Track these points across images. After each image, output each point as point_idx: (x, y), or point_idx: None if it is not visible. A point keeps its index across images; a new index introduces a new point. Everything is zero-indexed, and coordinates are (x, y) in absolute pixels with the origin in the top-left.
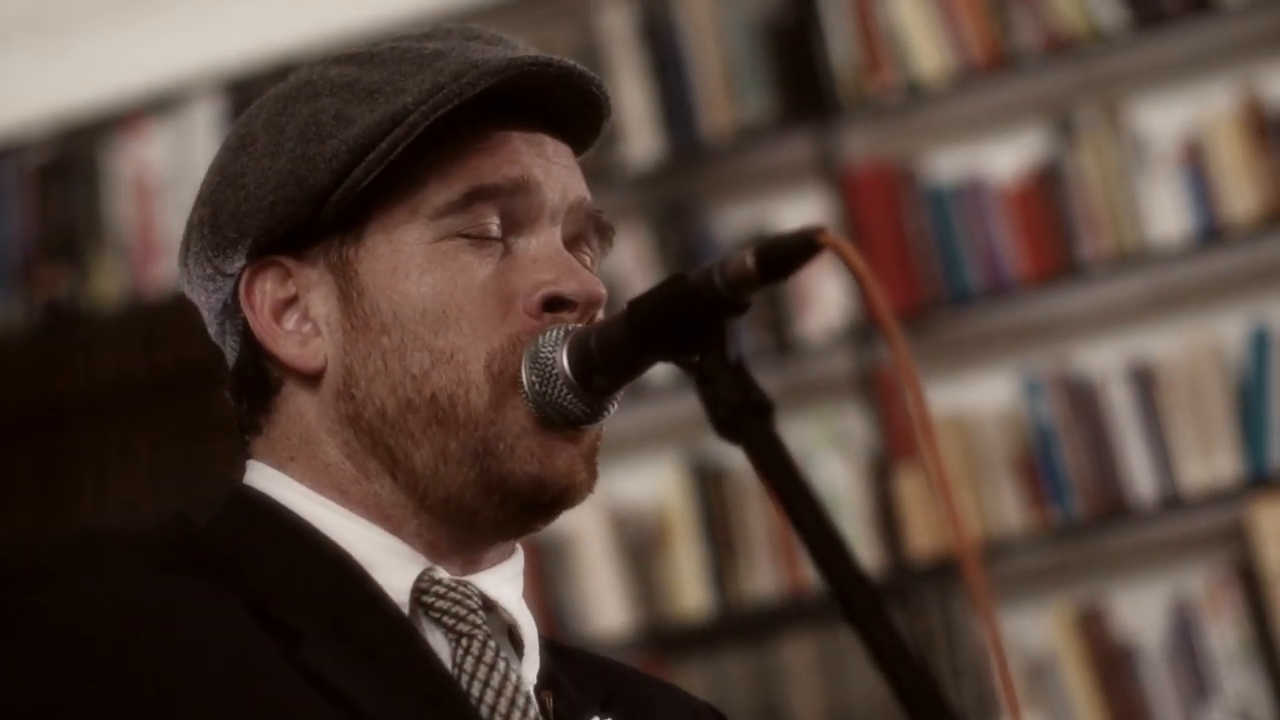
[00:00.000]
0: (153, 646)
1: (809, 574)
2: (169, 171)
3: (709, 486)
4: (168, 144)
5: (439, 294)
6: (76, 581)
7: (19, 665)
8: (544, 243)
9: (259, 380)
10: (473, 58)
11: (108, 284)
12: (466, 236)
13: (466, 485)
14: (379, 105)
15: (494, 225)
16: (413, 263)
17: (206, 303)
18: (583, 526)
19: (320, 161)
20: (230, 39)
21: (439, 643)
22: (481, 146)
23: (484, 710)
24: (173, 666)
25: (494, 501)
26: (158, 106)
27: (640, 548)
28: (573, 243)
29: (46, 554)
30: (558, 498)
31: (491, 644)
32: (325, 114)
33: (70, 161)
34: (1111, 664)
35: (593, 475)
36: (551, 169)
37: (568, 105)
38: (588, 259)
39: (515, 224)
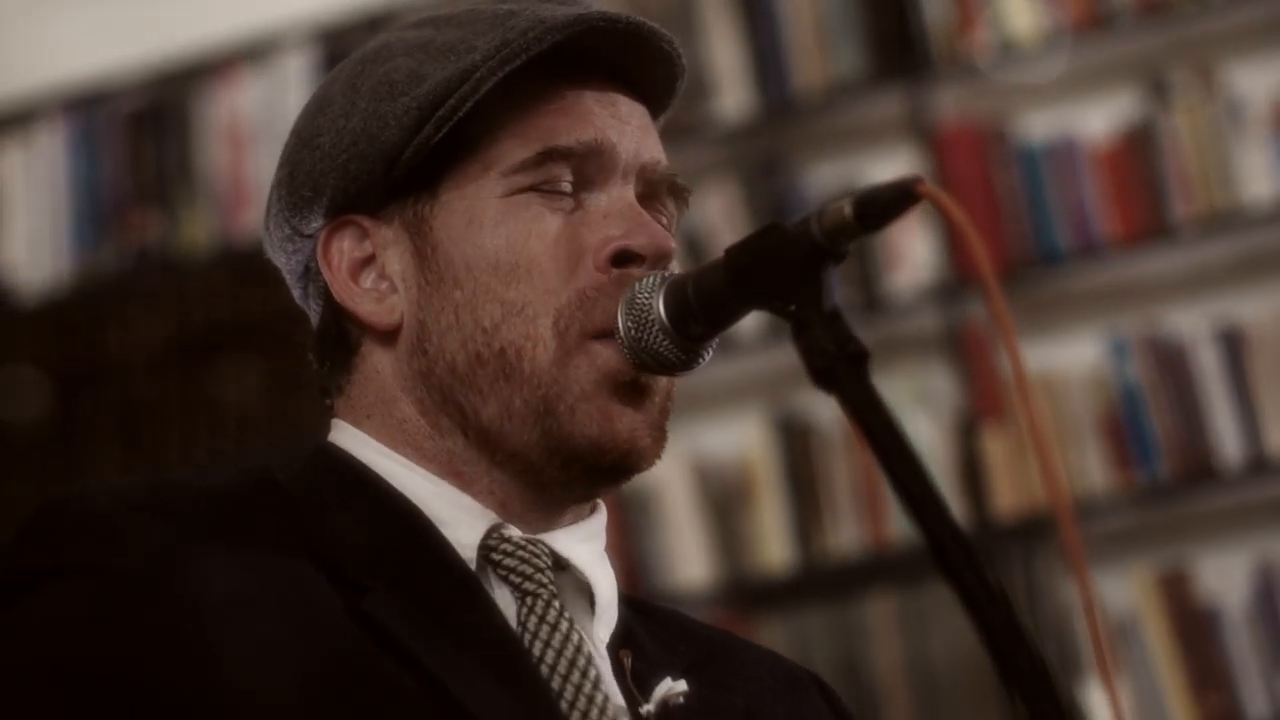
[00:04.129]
0: (213, 605)
1: (893, 530)
2: (260, 120)
3: (794, 441)
4: (260, 92)
5: (512, 245)
6: (144, 539)
7: (84, 622)
8: (615, 198)
9: (340, 340)
10: (543, 15)
11: (198, 231)
12: (539, 191)
13: (531, 444)
14: (450, 63)
15: (566, 182)
16: (486, 215)
17: (288, 265)
18: (667, 480)
19: (391, 119)
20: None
21: (505, 600)
22: (555, 106)
23: (544, 670)
24: (232, 622)
25: (556, 463)
26: (250, 55)
27: (724, 502)
28: (645, 202)
29: (118, 510)
30: (618, 462)
31: (556, 604)
32: (398, 73)
33: (163, 108)
34: (1194, 626)
35: (659, 441)
36: (625, 129)
37: (642, 64)
38: (663, 220)
39: (588, 181)
